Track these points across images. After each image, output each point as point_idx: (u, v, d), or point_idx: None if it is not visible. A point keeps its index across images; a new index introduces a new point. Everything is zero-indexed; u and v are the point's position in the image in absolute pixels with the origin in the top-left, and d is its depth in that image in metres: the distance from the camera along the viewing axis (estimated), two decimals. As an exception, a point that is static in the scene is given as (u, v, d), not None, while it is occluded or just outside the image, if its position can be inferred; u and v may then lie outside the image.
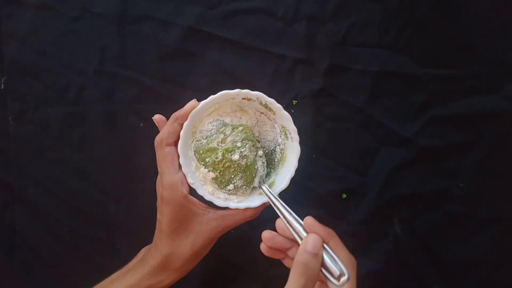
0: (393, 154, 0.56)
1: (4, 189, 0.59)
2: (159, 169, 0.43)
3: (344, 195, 0.56)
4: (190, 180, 0.42)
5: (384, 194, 0.56)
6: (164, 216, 0.43)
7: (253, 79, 0.56)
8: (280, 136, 0.46)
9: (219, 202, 0.43)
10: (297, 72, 0.56)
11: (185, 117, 0.42)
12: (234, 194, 0.44)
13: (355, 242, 0.56)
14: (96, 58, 0.57)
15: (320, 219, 0.56)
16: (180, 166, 0.42)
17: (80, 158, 0.58)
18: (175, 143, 0.42)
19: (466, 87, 0.55)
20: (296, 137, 0.43)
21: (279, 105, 0.42)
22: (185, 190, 0.42)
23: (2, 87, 0.58)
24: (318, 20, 0.56)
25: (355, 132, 0.56)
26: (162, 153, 0.42)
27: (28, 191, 0.58)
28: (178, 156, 0.42)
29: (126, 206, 0.58)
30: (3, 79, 0.58)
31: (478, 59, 0.55)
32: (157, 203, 0.44)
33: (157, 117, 0.45)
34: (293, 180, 0.56)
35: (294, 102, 0.56)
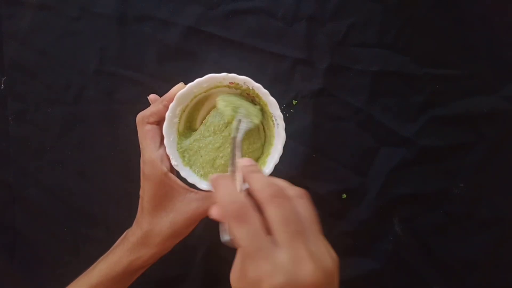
0: (393, 154, 0.56)
1: (4, 189, 0.59)
2: (140, 146, 0.43)
3: (344, 195, 0.56)
4: (173, 162, 0.42)
5: (384, 194, 0.56)
6: (145, 192, 0.43)
7: (253, 79, 0.56)
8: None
9: (202, 185, 0.43)
10: (297, 72, 0.56)
11: (171, 99, 0.42)
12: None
13: (355, 242, 0.56)
14: (96, 58, 0.57)
15: (320, 219, 0.56)
16: (161, 144, 0.43)
17: (80, 158, 0.58)
18: (157, 123, 0.43)
19: (466, 87, 0.55)
20: (282, 124, 0.43)
21: (266, 91, 0.42)
22: (165, 168, 0.42)
23: (2, 87, 0.58)
24: (318, 20, 0.56)
25: (355, 132, 0.56)
26: (143, 131, 0.43)
27: (28, 191, 0.58)
28: (160, 135, 0.43)
29: (126, 206, 0.58)
30: (3, 79, 0.58)
31: (478, 59, 0.55)
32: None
33: (152, 97, 0.46)
34: (293, 180, 0.56)
35: (294, 102, 0.56)
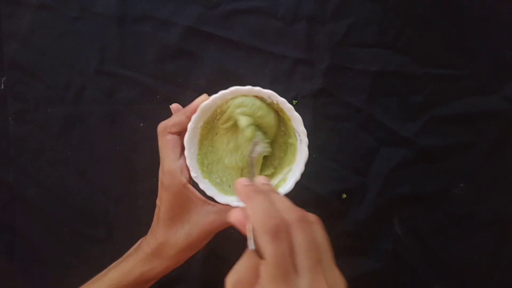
0: (393, 154, 0.56)
1: (4, 189, 0.59)
2: (160, 155, 0.43)
3: (344, 195, 0.56)
4: (193, 174, 0.42)
5: (384, 194, 0.56)
6: (162, 202, 0.43)
7: (253, 79, 0.56)
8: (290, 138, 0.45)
9: (220, 199, 0.42)
10: (297, 72, 0.56)
11: (194, 111, 0.42)
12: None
13: (355, 242, 0.56)
14: (96, 58, 0.57)
15: (320, 219, 0.56)
16: (181, 155, 0.42)
17: (80, 158, 0.58)
18: (178, 133, 0.43)
19: (466, 87, 0.55)
20: (305, 140, 0.42)
21: (290, 106, 0.41)
22: (185, 179, 0.42)
23: (2, 87, 0.58)
24: (318, 20, 0.56)
25: (355, 132, 0.56)
26: (164, 140, 0.42)
27: (28, 191, 0.58)
28: (181, 145, 0.42)
29: (126, 206, 0.58)
30: (3, 79, 0.58)
31: (478, 59, 0.55)
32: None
33: (174, 106, 0.45)
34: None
35: (294, 102, 0.56)
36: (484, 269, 0.56)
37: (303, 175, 0.56)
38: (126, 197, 0.58)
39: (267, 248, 0.28)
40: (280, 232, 0.29)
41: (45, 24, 0.57)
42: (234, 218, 0.32)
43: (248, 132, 0.42)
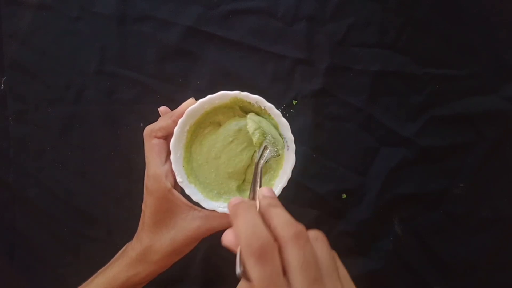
0: (393, 154, 0.56)
1: (4, 189, 0.59)
2: (146, 159, 0.43)
3: (344, 195, 0.56)
4: (179, 179, 0.42)
5: (384, 194, 0.56)
6: (147, 207, 0.42)
7: (253, 79, 0.56)
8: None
9: (206, 204, 0.42)
10: (297, 72, 0.56)
11: (180, 115, 0.41)
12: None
13: (355, 242, 0.56)
14: (96, 58, 0.57)
15: (320, 219, 0.56)
16: (167, 159, 0.42)
17: (80, 158, 0.58)
18: (164, 138, 0.42)
19: (466, 87, 0.55)
20: (292, 147, 0.42)
21: (278, 112, 0.41)
22: (170, 184, 0.41)
23: (2, 87, 0.58)
24: (318, 20, 0.56)
25: (355, 132, 0.56)
26: (149, 144, 0.42)
27: (28, 191, 0.58)
28: (166, 150, 0.42)
29: (126, 206, 0.58)
30: (3, 79, 0.58)
31: (478, 59, 0.55)
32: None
33: (162, 109, 0.45)
34: (293, 180, 0.56)
35: (294, 102, 0.56)
36: (484, 269, 0.56)
37: (303, 175, 0.56)
38: (126, 197, 0.58)
39: (253, 272, 0.27)
40: (266, 253, 0.27)
41: (45, 24, 0.57)
42: (226, 241, 0.31)
43: (256, 136, 0.40)
